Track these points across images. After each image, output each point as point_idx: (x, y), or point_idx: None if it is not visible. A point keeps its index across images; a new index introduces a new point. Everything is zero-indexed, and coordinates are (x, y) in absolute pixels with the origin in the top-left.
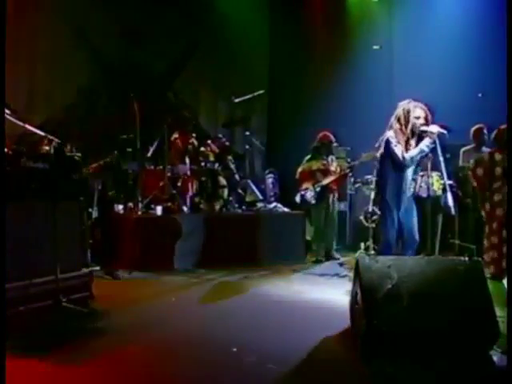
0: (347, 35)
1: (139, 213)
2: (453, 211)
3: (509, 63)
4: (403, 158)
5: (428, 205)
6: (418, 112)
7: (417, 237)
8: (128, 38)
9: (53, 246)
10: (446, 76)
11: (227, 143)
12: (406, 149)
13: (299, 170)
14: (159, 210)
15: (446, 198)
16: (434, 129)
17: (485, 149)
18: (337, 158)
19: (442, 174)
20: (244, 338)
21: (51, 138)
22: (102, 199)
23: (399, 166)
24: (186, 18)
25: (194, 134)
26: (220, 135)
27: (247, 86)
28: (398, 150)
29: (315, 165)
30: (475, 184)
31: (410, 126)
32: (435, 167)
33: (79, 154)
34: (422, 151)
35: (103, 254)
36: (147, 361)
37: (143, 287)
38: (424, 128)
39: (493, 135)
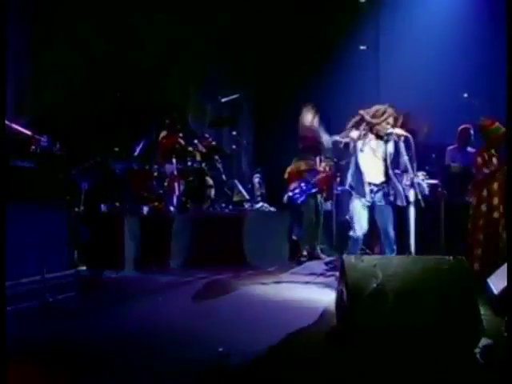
0: (335, 35)
1: (126, 213)
2: (422, 204)
3: (509, 63)
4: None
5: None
6: (385, 115)
7: (392, 235)
8: (116, 37)
9: (40, 245)
10: (432, 76)
11: (214, 143)
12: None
13: (288, 170)
14: (146, 209)
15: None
16: (398, 131)
17: (470, 149)
18: (325, 157)
19: (410, 171)
20: (230, 337)
21: (38, 137)
22: (90, 199)
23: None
24: (174, 16)
25: (180, 134)
26: (207, 135)
27: (234, 86)
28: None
29: (303, 165)
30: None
31: (375, 126)
32: (420, 167)
33: (66, 154)
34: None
35: (90, 253)
36: (133, 361)
37: (130, 287)
38: (390, 130)
39: (484, 125)
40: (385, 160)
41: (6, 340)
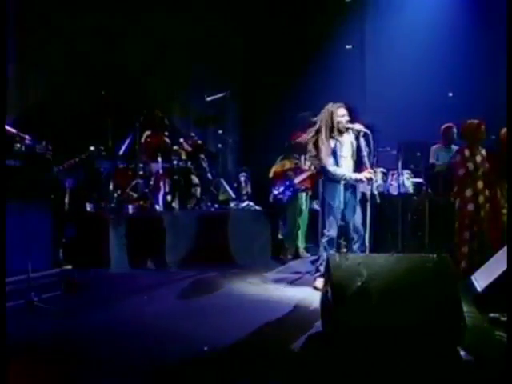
0: (320, 35)
1: (111, 211)
2: (378, 199)
3: (509, 63)
4: (328, 171)
5: (399, 203)
6: (341, 111)
7: (362, 231)
8: (101, 36)
9: (25, 244)
10: (417, 75)
11: (200, 142)
12: (336, 146)
13: (272, 169)
14: (131, 208)
15: (371, 188)
16: (357, 127)
17: (454, 147)
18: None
19: (366, 166)
20: (215, 336)
21: (23, 135)
22: (74, 197)
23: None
24: (160, 16)
25: (166, 133)
26: (192, 134)
27: (220, 85)
28: (326, 160)
29: (288, 164)
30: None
31: (336, 126)
32: (405, 166)
33: (50, 152)
34: (345, 178)
35: (75, 252)
36: (118, 360)
37: (115, 286)
38: (349, 125)
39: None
40: (349, 160)
41: (5, 339)
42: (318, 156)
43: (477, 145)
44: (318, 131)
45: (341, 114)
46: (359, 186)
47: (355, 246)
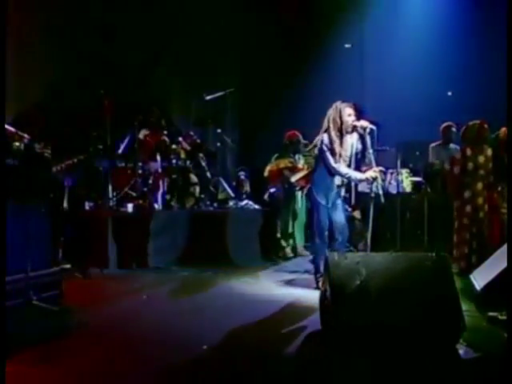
0: (319, 34)
1: (110, 210)
2: (382, 199)
3: (509, 63)
4: (333, 167)
5: (398, 201)
6: (348, 110)
7: (346, 231)
8: (100, 35)
9: (23, 243)
10: (417, 75)
11: (199, 140)
12: (341, 145)
13: (267, 168)
14: (130, 207)
15: (376, 187)
16: (364, 124)
17: (452, 145)
18: (309, 155)
19: (372, 164)
20: (214, 335)
21: (21, 134)
22: (73, 196)
23: (329, 172)
24: (159, 15)
25: (165, 132)
26: (191, 132)
27: (219, 84)
28: (331, 158)
29: (283, 163)
30: (450, 185)
31: (344, 125)
32: (404, 164)
33: (49, 151)
34: (349, 177)
35: (74, 251)
36: (117, 359)
37: (114, 285)
38: (355, 123)
39: (461, 132)
40: (349, 159)
41: (5, 339)
42: (323, 153)
43: (481, 145)
44: (326, 129)
45: (348, 113)
46: (358, 186)
47: (339, 247)
